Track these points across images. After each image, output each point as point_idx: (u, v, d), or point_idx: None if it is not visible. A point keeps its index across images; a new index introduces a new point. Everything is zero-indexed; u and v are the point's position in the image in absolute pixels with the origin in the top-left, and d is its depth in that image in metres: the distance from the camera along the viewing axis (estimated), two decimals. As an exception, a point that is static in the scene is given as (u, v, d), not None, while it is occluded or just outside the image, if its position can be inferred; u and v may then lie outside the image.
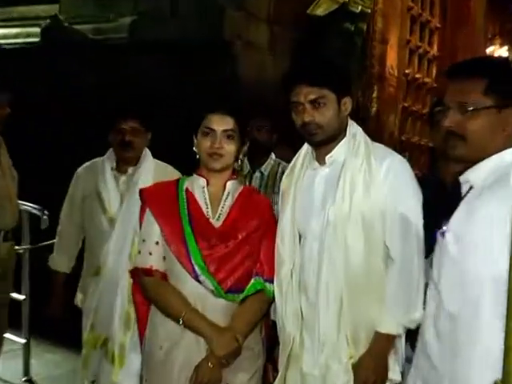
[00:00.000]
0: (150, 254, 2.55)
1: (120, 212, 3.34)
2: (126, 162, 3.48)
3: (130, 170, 3.47)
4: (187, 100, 5.05)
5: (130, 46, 5.76)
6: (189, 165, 2.75)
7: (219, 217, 2.58)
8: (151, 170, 3.42)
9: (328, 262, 2.42)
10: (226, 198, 2.62)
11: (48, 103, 5.81)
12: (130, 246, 3.20)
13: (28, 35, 6.46)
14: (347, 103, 2.50)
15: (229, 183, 2.66)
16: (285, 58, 6.06)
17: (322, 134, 2.45)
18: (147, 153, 3.52)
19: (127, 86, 5.15)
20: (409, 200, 2.41)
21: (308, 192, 2.53)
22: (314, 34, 6.25)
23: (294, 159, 2.62)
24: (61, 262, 3.57)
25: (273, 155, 4.35)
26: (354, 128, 2.54)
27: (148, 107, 3.71)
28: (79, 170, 3.58)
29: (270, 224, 2.62)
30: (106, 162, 3.50)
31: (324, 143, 2.49)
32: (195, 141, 2.63)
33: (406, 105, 8.41)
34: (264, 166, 4.34)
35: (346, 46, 6.54)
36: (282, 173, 3.89)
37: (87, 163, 3.60)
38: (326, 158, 2.51)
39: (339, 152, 2.50)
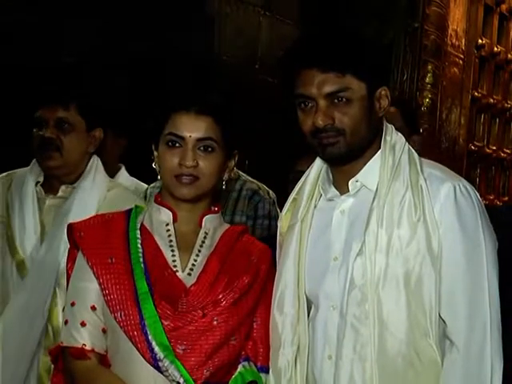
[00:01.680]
0: (83, 325, 2.01)
1: (37, 256, 2.48)
2: (54, 176, 2.60)
3: (63, 190, 2.60)
4: (137, 85, 4.22)
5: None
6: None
7: (192, 270, 2.06)
8: (97, 195, 2.58)
9: (352, 345, 1.91)
10: (203, 242, 2.10)
11: None
12: (46, 312, 2.46)
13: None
14: (384, 96, 1.98)
15: (207, 219, 2.13)
16: (289, 22, 5.12)
17: (344, 145, 1.92)
18: (96, 166, 2.66)
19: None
20: (477, 249, 1.91)
21: (321, 235, 2.02)
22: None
23: (299, 185, 2.10)
24: None
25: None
26: (392, 135, 2.02)
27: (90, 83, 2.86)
28: None
29: (269, 283, 2.12)
30: (29, 175, 2.63)
31: (347, 159, 1.97)
32: (155, 154, 2.08)
33: (478, 94, 6.27)
34: None
35: (382, 3, 5.28)
36: (240, 190, 3.23)
37: (2, 174, 2.74)
38: (350, 182, 1.99)
39: (370, 173, 1.98)
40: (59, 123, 2.51)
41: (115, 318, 1.98)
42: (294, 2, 5.22)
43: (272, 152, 4.43)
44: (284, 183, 3.01)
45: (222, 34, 4.70)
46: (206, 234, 2.12)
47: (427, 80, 5.63)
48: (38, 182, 2.62)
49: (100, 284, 2.00)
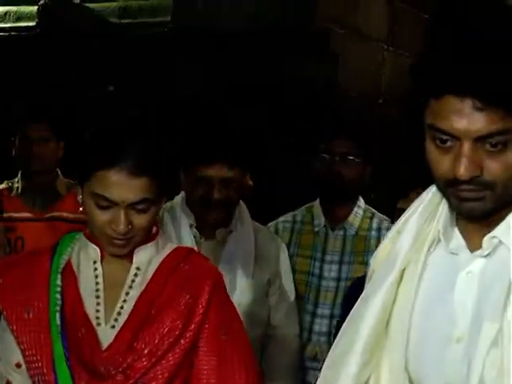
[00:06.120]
0: None
1: None
2: (211, 225, 2.77)
3: (221, 233, 2.79)
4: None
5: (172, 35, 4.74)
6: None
7: (116, 320, 1.83)
8: (252, 239, 2.79)
9: None
10: (133, 281, 1.85)
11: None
12: None
13: (19, 17, 5.48)
14: None
15: (138, 252, 1.86)
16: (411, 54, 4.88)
17: (490, 201, 1.43)
18: (244, 210, 2.88)
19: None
20: None
21: (439, 300, 1.52)
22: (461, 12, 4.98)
23: (405, 215, 1.61)
24: None
25: (361, 201, 3.21)
26: None
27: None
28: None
29: (210, 313, 1.86)
30: (184, 217, 2.79)
31: (489, 216, 1.47)
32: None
33: None
34: (349, 220, 3.12)
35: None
36: (379, 229, 3.07)
37: None
38: (485, 238, 1.47)
39: (509, 227, 1.46)
40: (226, 182, 2.66)
41: (33, 382, 1.82)
42: (417, 35, 5.09)
43: (390, 185, 4.40)
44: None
45: (346, 70, 4.64)
46: (138, 269, 1.86)
47: None
48: (191, 224, 2.75)
49: (18, 344, 1.82)
